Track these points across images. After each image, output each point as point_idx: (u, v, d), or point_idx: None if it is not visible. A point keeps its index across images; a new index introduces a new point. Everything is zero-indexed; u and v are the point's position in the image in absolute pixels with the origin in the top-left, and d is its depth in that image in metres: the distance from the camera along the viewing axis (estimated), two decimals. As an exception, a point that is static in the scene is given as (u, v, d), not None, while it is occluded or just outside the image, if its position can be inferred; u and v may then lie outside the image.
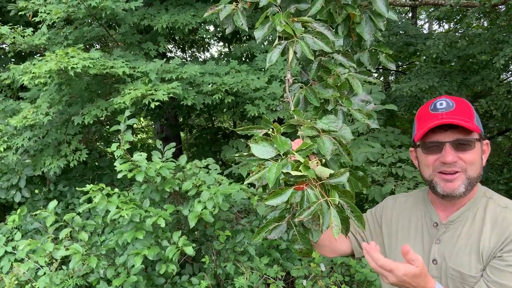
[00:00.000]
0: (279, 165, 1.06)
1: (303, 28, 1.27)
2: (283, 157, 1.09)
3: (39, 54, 4.98)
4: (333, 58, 1.36)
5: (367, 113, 1.32)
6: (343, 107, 1.31)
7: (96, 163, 5.46)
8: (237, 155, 1.16)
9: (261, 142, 1.11)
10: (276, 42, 1.27)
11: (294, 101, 1.34)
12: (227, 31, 1.43)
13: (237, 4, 1.40)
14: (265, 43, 5.45)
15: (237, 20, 1.39)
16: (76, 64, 3.59)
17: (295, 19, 1.28)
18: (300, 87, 1.36)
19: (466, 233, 1.30)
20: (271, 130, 1.17)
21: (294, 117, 1.22)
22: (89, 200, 3.08)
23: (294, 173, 1.03)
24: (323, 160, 1.15)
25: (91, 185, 3.09)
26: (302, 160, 1.06)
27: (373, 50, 1.44)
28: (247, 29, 1.38)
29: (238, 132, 1.22)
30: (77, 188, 3.60)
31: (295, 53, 1.24)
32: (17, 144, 4.18)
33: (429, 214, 1.40)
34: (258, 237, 1.11)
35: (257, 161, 1.10)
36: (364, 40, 1.39)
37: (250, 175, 1.09)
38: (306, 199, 1.05)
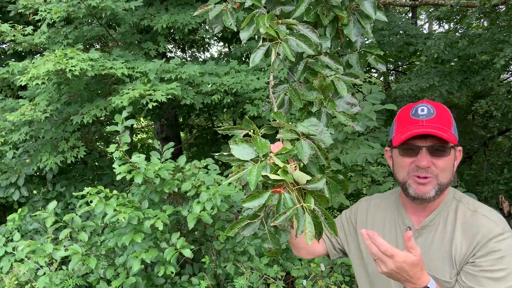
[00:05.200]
0: (259, 167, 1.08)
1: (288, 30, 1.28)
2: (262, 159, 1.10)
3: (38, 54, 4.98)
4: (319, 60, 1.37)
5: (351, 116, 1.32)
6: (328, 109, 1.31)
7: (96, 163, 5.47)
8: (217, 154, 1.18)
9: (241, 143, 1.13)
10: (260, 43, 1.28)
11: (278, 102, 1.35)
12: (216, 31, 1.45)
13: (227, 4, 1.41)
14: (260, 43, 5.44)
15: (226, 20, 1.41)
16: (74, 66, 3.59)
17: (280, 21, 1.29)
18: (286, 88, 1.36)
19: (438, 238, 1.32)
20: (251, 131, 1.18)
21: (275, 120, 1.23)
22: (88, 203, 3.08)
23: (272, 176, 1.05)
24: (301, 164, 1.16)
25: (89, 188, 3.09)
26: (280, 164, 1.07)
27: (362, 52, 1.44)
28: (235, 29, 1.40)
29: (219, 132, 1.23)
30: (73, 193, 3.60)
31: (278, 54, 1.25)
32: (13, 139, 4.18)
33: (401, 218, 1.42)
34: (231, 232, 1.13)
35: (236, 162, 1.12)
36: (353, 42, 1.39)
37: (230, 175, 1.11)
38: (282, 203, 1.07)
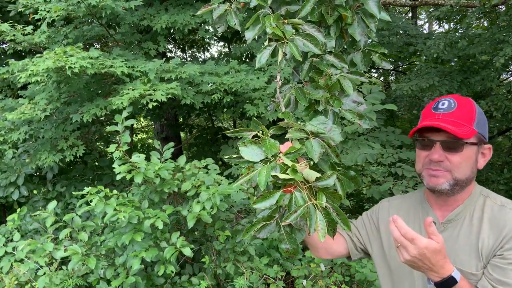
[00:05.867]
0: (268, 168, 1.08)
1: (294, 30, 1.28)
2: (272, 159, 1.10)
3: (38, 54, 4.98)
4: (324, 59, 1.37)
5: (358, 114, 1.33)
6: (334, 107, 1.31)
7: (96, 163, 5.46)
8: (226, 157, 1.18)
9: (250, 145, 1.13)
10: (266, 43, 1.28)
11: (285, 101, 1.35)
12: (220, 30, 1.45)
13: (231, 4, 1.42)
14: (265, 43, 5.44)
15: (230, 20, 1.41)
16: (74, 63, 3.59)
17: (286, 21, 1.29)
18: (292, 87, 1.37)
19: (464, 231, 1.32)
20: (260, 132, 1.18)
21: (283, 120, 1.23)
22: (88, 203, 3.08)
23: (282, 176, 1.05)
24: (312, 162, 1.16)
25: (89, 188, 3.09)
26: (290, 164, 1.07)
27: (366, 51, 1.45)
28: (239, 29, 1.41)
29: (228, 135, 1.23)
30: (74, 193, 3.60)
31: (284, 54, 1.25)
32: (13, 138, 4.18)
33: (426, 213, 1.42)
34: (247, 235, 1.13)
35: (246, 164, 1.12)
36: (357, 41, 1.40)
37: (240, 177, 1.11)
38: (294, 202, 1.07)
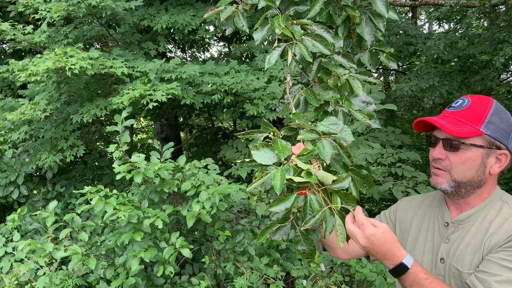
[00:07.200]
0: (282, 171, 1.07)
1: (302, 31, 1.28)
2: (284, 162, 1.09)
3: (38, 54, 4.98)
4: (333, 59, 1.37)
5: (368, 114, 1.32)
6: (344, 108, 1.31)
7: (96, 163, 5.46)
8: (239, 161, 1.18)
9: (262, 148, 1.11)
10: (275, 44, 1.28)
11: (295, 102, 1.34)
12: (227, 32, 1.44)
13: (238, 6, 1.40)
14: (265, 43, 5.45)
15: (238, 22, 1.40)
16: (74, 64, 3.58)
17: (294, 21, 1.29)
18: (301, 88, 1.36)
19: (472, 232, 1.29)
20: (271, 134, 1.18)
21: (294, 121, 1.22)
22: (88, 202, 3.08)
23: (297, 179, 1.04)
24: (325, 163, 1.15)
25: (89, 187, 3.09)
26: (304, 166, 1.06)
27: (374, 50, 1.44)
28: (247, 31, 1.39)
29: (239, 137, 1.23)
30: (74, 191, 3.60)
31: (294, 55, 1.25)
32: (12, 138, 4.18)
33: (441, 213, 1.40)
34: (262, 238, 1.12)
35: (259, 167, 1.11)
36: (364, 41, 1.39)
37: (253, 181, 1.10)
38: (309, 204, 1.06)
